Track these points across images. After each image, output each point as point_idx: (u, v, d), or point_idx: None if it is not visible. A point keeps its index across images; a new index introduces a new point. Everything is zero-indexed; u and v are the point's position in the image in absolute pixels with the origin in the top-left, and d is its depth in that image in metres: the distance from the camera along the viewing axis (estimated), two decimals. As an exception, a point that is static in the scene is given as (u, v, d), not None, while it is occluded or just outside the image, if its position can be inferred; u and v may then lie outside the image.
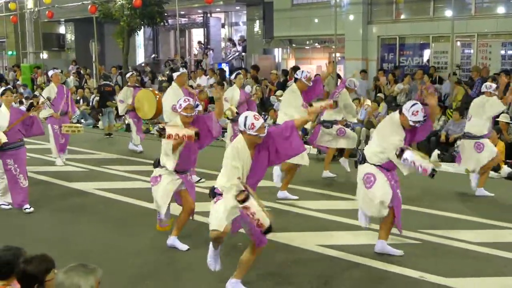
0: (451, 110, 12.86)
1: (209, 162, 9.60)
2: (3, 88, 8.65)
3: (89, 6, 20.06)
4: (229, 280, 5.31)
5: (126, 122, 13.21)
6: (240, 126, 4.99)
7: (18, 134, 8.13)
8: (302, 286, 5.59)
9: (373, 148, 6.24)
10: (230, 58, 24.72)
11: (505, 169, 10.33)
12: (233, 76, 10.84)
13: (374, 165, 6.15)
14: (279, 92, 14.82)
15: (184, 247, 6.49)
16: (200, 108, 8.09)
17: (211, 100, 16.46)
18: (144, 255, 6.47)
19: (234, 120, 10.33)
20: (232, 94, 10.32)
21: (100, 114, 15.92)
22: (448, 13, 15.86)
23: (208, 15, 26.62)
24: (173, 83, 9.83)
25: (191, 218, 6.64)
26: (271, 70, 18.40)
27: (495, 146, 10.44)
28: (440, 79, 15.37)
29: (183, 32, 27.45)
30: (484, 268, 5.99)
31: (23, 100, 21.10)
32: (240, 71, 12.17)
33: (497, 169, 10.17)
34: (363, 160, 6.24)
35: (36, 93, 21.77)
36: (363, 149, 6.45)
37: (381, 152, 6.11)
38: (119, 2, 20.29)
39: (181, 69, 10.60)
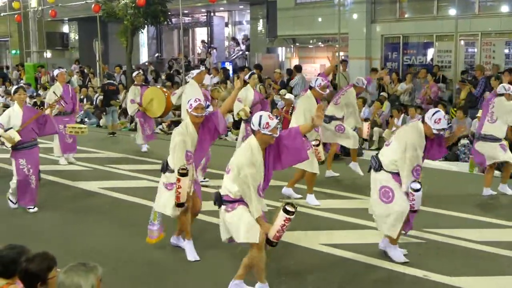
0: (455, 108, 12.84)
1: (213, 161, 9.59)
2: (16, 86, 8.57)
3: (93, 5, 20.06)
4: (231, 281, 5.30)
5: (134, 121, 13.05)
6: (254, 125, 4.94)
7: (31, 133, 8.08)
8: (305, 286, 5.59)
9: (391, 156, 6.01)
10: (234, 57, 24.73)
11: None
12: (247, 76, 10.68)
13: (391, 172, 5.98)
14: (283, 91, 14.80)
15: (192, 257, 6.27)
16: (211, 108, 7.92)
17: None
18: (148, 254, 6.47)
19: (248, 121, 10.30)
20: (246, 94, 10.20)
21: (104, 113, 15.91)
22: (452, 12, 15.81)
23: (212, 14, 26.63)
24: (192, 80, 9.82)
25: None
26: (275, 69, 18.40)
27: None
28: (444, 78, 15.35)
29: (186, 31, 27.46)
30: (488, 267, 5.99)
31: (27, 99, 21.13)
32: (254, 71, 12.08)
33: (499, 168, 10.14)
34: (379, 167, 6.06)
35: (40, 92, 21.84)
36: (377, 154, 6.26)
37: (397, 160, 5.94)
38: (122, 1, 20.29)
39: (201, 67, 10.56)
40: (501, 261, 6.15)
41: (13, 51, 30.65)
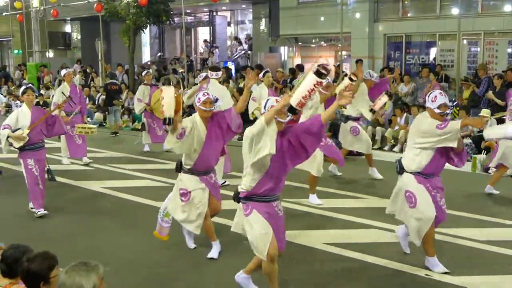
0: (458, 108, 12.82)
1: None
2: (24, 87, 8.44)
3: (95, 5, 20.08)
4: (239, 273, 5.27)
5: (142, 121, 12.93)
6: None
7: (40, 135, 7.96)
8: (306, 284, 5.59)
9: (409, 154, 5.88)
10: (236, 56, 24.72)
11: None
12: (261, 75, 10.60)
13: (413, 173, 5.80)
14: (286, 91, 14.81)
15: (215, 253, 6.28)
16: (219, 102, 7.65)
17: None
18: (151, 254, 6.47)
19: None
20: (260, 93, 10.11)
21: (107, 113, 15.91)
22: (455, 11, 15.79)
23: (214, 13, 26.61)
24: (213, 80, 9.72)
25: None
26: (277, 68, 18.39)
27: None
28: (447, 77, 15.32)
29: (189, 30, 27.45)
30: (490, 266, 5.98)
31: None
32: (268, 69, 12.03)
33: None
34: (402, 170, 5.91)
35: (42, 91, 21.86)
36: (400, 158, 6.07)
37: (417, 154, 5.76)
38: (125, 1, 20.29)
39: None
40: (504, 260, 6.14)
41: (15, 51, 30.70)
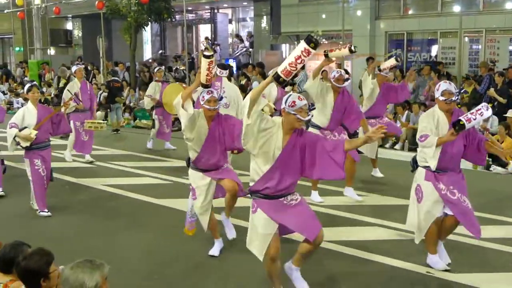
0: (459, 105, 12.80)
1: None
2: (29, 84, 8.26)
3: (96, 2, 20.06)
4: (288, 264, 5.09)
5: (152, 118, 12.86)
6: (282, 104, 4.62)
7: (46, 133, 7.83)
8: (308, 281, 5.59)
9: (419, 148, 5.71)
10: (237, 54, 24.71)
11: (513, 165, 10.29)
12: (270, 72, 10.62)
13: (425, 168, 5.63)
14: (288, 88, 14.78)
15: (230, 233, 6.23)
16: (224, 100, 7.53)
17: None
18: (152, 251, 6.48)
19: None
20: (270, 91, 10.03)
21: (109, 110, 15.90)
22: (456, 8, 15.79)
23: (215, 11, 26.62)
24: (225, 78, 9.51)
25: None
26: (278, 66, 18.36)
27: (503, 142, 10.42)
28: (448, 75, 15.30)
29: (190, 28, 27.46)
30: (491, 264, 5.98)
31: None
32: (277, 67, 11.97)
33: (504, 164, 10.13)
34: (415, 165, 5.80)
35: (44, 89, 21.85)
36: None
37: (420, 150, 5.62)
38: (126, -2, 20.34)
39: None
40: (505, 258, 6.14)
41: (17, 48, 30.70)
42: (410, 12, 17.73)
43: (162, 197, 8.69)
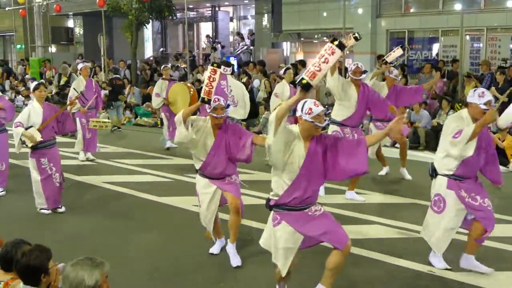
0: (460, 104, 12.80)
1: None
2: (36, 82, 8.17)
3: (98, 0, 20.08)
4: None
5: (160, 117, 12.78)
6: (297, 111, 4.47)
7: (51, 132, 7.72)
8: (309, 279, 5.59)
9: (438, 155, 5.56)
10: (238, 52, 24.70)
11: (514, 164, 10.29)
12: (282, 71, 10.49)
13: (446, 176, 5.50)
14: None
15: (235, 262, 5.90)
16: (231, 108, 7.30)
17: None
18: (153, 249, 6.49)
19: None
20: (283, 90, 9.97)
21: (111, 107, 15.86)
22: (458, 6, 15.77)
23: (217, 8, 26.61)
24: (230, 77, 9.54)
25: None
26: (280, 64, 18.38)
27: (504, 140, 10.42)
28: (449, 73, 15.30)
29: (191, 25, 27.44)
30: (493, 262, 5.96)
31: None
32: (289, 65, 11.83)
33: (505, 163, 10.13)
34: (434, 173, 5.62)
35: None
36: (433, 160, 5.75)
37: (446, 156, 5.44)
38: (127, -4, 20.35)
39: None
40: (506, 257, 6.14)
41: (18, 46, 30.71)
42: (412, 10, 17.72)
43: (163, 194, 8.69)
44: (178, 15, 23.85)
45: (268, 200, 4.65)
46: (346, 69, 16.99)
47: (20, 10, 25.24)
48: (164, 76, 12.61)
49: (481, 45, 15.99)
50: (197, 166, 5.89)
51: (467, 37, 15.99)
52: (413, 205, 8.03)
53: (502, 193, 8.72)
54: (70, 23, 31.68)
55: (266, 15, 22.45)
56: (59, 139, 11.68)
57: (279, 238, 4.57)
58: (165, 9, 20.60)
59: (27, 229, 7.15)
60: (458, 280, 5.53)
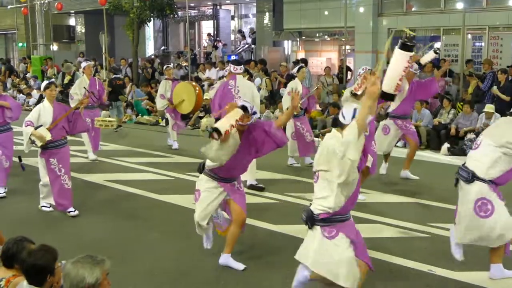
0: (461, 103, 12.80)
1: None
2: (47, 81, 8.05)
3: (99, -2, 20.11)
4: None
5: (165, 116, 12.65)
6: (346, 118, 4.30)
7: (62, 131, 7.61)
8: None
9: (484, 159, 5.19)
10: (240, 50, 24.69)
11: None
12: (295, 70, 10.44)
13: (486, 182, 5.19)
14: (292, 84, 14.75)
15: (240, 266, 5.78)
16: (258, 115, 7.46)
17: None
18: (154, 247, 6.49)
19: (299, 116, 10.08)
20: (296, 89, 9.79)
21: (110, 107, 15.86)
22: (459, 5, 15.75)
23: (218, 7, 26.59)
24: (241, 76, 9.20)
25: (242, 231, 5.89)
26: (281, 63, 18.37)
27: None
28: (451, 72, 15.28)
29: (192, 24, 27.42)
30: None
31: (35, 91, 21.20)
32: (302, 64, 11.77)
33: None
34: (473, 177, 5.22)
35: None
36: (465, 163, 5.38)
37: (497, 160, 5.13)
38: (129, -6, 20.36)
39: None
40: (507, 257, 6.12)
41: (20, 44, 30.74)
42: (413, 8, 17.68)
43: (163, 192, 8.70)
44: (180, 13, 23.84)
45: (312, 215, 4.35)
46: (348, 68, 17.09)
47: (22, 8, 25.26)
48: (167, 76, 12.53)
49: (483, 44, 15.96)
50: (211, 166, 5.65)
51: (469, 36, 15.96)
52: (416, 205, 8.03)
53: (508, 193, 8.74)
54: (71, 21, 31.69)
55: (267, 13, 22.42)
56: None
57: (344, 253, 4.32)
58: (166, 8, 20.61)
59: (30, 228, 7.16)
60: (458, 279, 5.53)
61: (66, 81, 19.01)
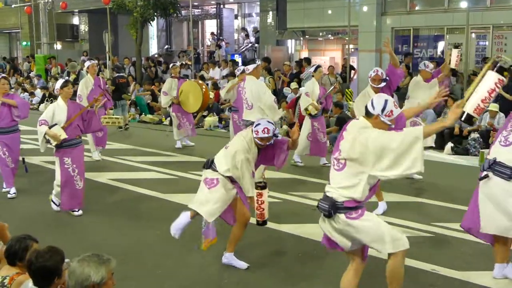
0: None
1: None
2: (63, 80, 7.91)
3: (103, -3, 20.14)
4: None
5: (170, 116, 12.57)
6: (375, 109, 4.25)
7: (76, 130, 7.54)
8: (313, 277, 5.60)
9: None
10: (243, 49, 24.70)
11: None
12: (312, 69, 10.35)
13: None
14: (293, 84, 14.77)
15: (243, 265, 5.77)
16: (279, 137, 7.35)
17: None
18: (157, 246, 6.51)
19: (316, 116, 10.03)
20: (313, 89, 9.88)
21: (114, 107, 15.82)
22: (463, 4, 15.72)
23: (221, 6, 26.61)
24: (251, 76, 9.09)
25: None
26: (284, 62, 18.37)
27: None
28: (454, 71, 15.22)
29: (196, 23, 27.46)
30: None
31: (38, 90, 21.25)
32: (320, 64, 11.78)
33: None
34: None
35: (50, 83, 21.91)
36: (496, 159, 5.11)
37: None
38: (132, -7, 20.39)
39: (257, 61, 9.76)
40: (510, 256, 6.11)
41: (24, 43, 30.82)
42: (417, 8, 17.67)
43: (167, 191, 8.71)
44: (183, 12, 23.87)
45: (334, 204, 4.27)
46: (351, 67, 17.08)
47: (26, 7, 25.33)
48: (173, 75, 12.45)
49: (486, 43, 15.94)
50: (225, 172, 5.57)
51: (473, 35, 15.94)
52: (420, 204, 8.02)
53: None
54: (75, 20, 31.75)
55: (270, 12, 22.43)
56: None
57: (380, 222, 4.37)
58: (170, 7, 20.64)
59: (33, 227, 7.17)
60: (461, 279, 5.52)
61: (70, 80, 19.03)
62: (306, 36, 21.40)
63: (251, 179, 5.47)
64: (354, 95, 14.95)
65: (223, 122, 15.15)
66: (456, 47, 9.28)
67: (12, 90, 21.89)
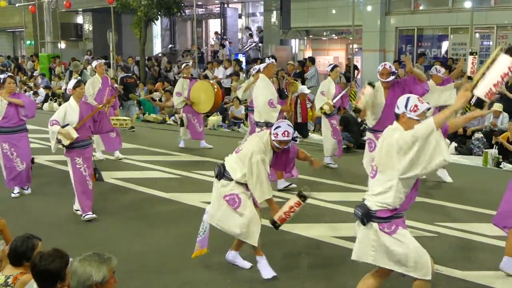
0: (469, 102, 12.73)
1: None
2: (76, 80, 7.72)
3: (107, -4, 20.17)
4: None
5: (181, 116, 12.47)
6: (400, 108, 4.15)
7: (88, 131, 7.42)
8: (315, 277, 5.60)
9: None
10: (247, 48, 24.70)
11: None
12: (329, 68, 10.24)
13: None
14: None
15: (246, 264, 5.75)
16: (297, 141, 6.90)
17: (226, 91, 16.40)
18: (160, 245, 6.52)
19: (332, 115, 9.97)
20: (328, 88, 9.81)
21: (121, 107, 15.73)
22: (468, 4, 15.70)
23: (225, 5, 26.62)
24: (262, 75, 8.81)
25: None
26: (288, 61, 18.37)
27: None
28: (471, 79, 15.22)
29: (200, 22, 27.47)
30: (500, 262, 5.95)
31: (41, 89, 21.27)
32: (336, 63, 11.65)
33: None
34: None
35: (54, 82, 21.96)
36: None
37: None
38: (136, -8, 20.42)
39: (267, 60, 9.63)
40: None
41: (28, 42, 30.88)
42: (421, 7, 17.66)
43: (171, 191, 8.72)
44: (187, 11, 23.90)
45: (368, 212, 4.25)
46: (355, 66, 17.06)
47: (30, 7, 25.37)
48: (185, 75, 12.22)
49: (490, 43, 15.91)
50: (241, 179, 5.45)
51: (477, 35, 15.92)
52: (423, 204, 8.00)
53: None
54: (79, 20, 31.80)
55: (274, 12, 22.43)
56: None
57: (405, 240, 4.23)
58: (173, 6, 20.66)
59: (35, 227, 7.19)
60: (464, 278, 5.52)
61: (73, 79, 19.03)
62: (310, 36, 21.39)
63: (267, 180, 5.32)
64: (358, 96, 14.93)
65: (226, 122, 15.15)
66: (471, 53, 9.12)
67: (17, 89, 22.02)
